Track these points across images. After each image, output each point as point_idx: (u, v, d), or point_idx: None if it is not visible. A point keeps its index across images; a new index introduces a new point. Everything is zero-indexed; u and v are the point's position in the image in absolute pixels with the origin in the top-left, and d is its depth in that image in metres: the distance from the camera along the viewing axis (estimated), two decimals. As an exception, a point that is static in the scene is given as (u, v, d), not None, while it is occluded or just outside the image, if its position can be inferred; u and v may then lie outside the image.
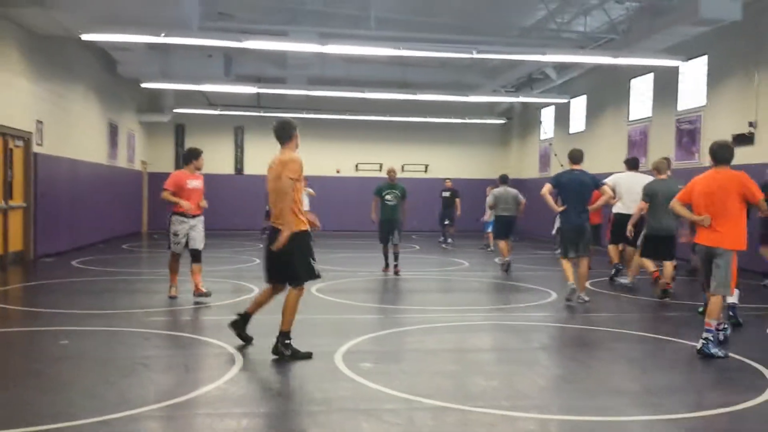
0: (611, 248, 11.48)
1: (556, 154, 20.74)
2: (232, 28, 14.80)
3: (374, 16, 13.96)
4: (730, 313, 7.60)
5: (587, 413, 4.81)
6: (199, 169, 9.30)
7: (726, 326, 6.96)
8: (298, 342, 6.84)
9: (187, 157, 9.35)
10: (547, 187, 9.37)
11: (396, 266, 12.30)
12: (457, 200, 19.20)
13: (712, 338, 6.32)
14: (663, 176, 9.93)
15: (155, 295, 9.68)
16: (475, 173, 25.23)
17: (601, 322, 7.97)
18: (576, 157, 9.50)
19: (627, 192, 10.98)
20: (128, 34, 12.47)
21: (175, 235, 8.98)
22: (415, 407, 4.79)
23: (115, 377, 5.38)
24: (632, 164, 11.56)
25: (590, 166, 15.78)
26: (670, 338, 7.21)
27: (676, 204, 6.92)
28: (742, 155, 13.56)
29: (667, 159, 10.42)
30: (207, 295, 8.93)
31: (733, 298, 7.67)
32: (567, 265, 9.33)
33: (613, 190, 10.39)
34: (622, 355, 6.46)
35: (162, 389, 5.08)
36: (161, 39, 12.56)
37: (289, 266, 6.04)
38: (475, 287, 10.93)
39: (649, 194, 9.74)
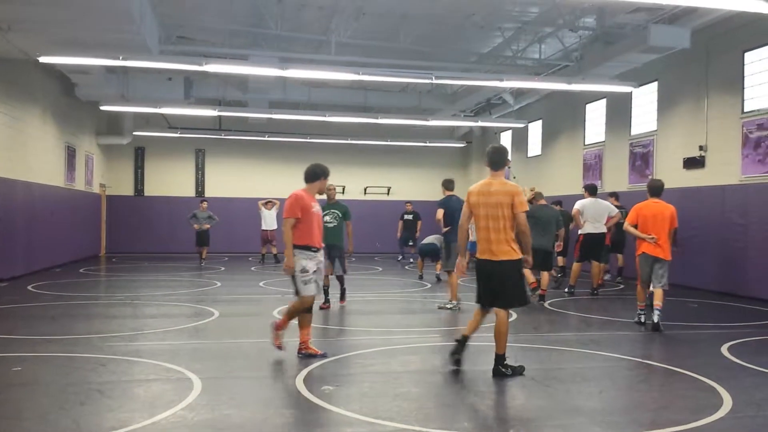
0: (576, 266, 12.71)
1: (515, 177, 21.07)
2: (192, 51, 14.80)
3: (335, 41, 14.11)
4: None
5: (545, 432, 4.88)
6: (322, 192, 7.40)
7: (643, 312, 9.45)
8: (257, 365, 6.81)
9: (314, 174, 7.22)
10: (440, 212, 10.96)
11: (341, 299, 11.14)
12: (419, 222, 19.94)
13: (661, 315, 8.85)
14: (542, 202, 12.16)
15: (112, 320, 9.53)
16: (437, 195, 25.20)
17: (559, 341, 8.08)
18: (450, 185, 11.29)
19: (593, 215, 12.51)
20: (87, 57, 12.37)
21: (304, 271, 6.91)
22: (376, 430, 4.79)
23: (70, 404, 5.28)
24: (593, 191, 12.93)
25: (546, 189, 16.26)
26: (626, 357, 7.35)
27: (628, 227, 9.28)
28: (693, 178, 14.03)
29: (539, 192, 12.45)
30: (324, 356, 7.05)
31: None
32: (456, 280, 10.69)
33: (581, 214, 12.53)
34: (579, 374, 6.57)
35: (118, 416, 4.99)
36: (120, 62, 12.49)
37: (503, 292, 6.30)
38: (437, 309, 10.97)
39: (533, 218, 11.14)
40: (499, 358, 6.39)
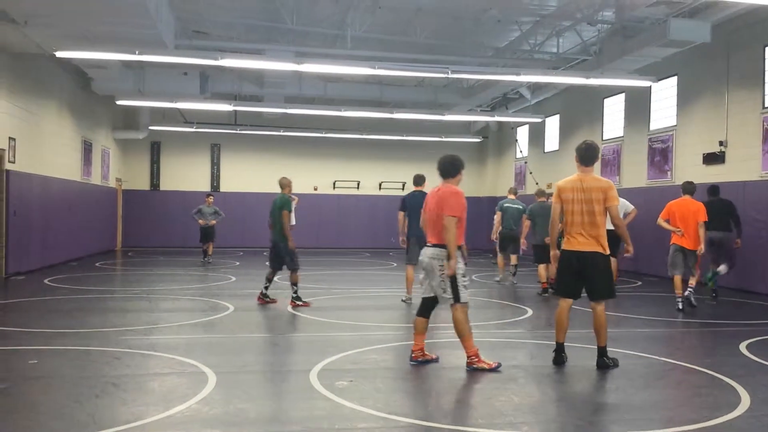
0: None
1: (531, 172, 20.95)
2: (208, 46, 14.82)
3: (350, 36, 14.06)
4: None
5: (561, 430, 4.83)
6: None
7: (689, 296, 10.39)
8: (271, 360, 6.83)
9: (456, 167, 6.72)
10: (401, 214, 10.90)
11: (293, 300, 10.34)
12: None
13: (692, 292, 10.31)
14: (543, 199, 12.58)
15: (128, 314, 9.57)
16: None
17: (574, 338, 8.00)
18: (418, 180, 11.07)
19: None
20: (103, 51, 12.41)
21: (464, 275, 6.51)
22: (390, 426, 4.77)
23: (85, 397, 5.30)
24: None
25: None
26: (642, 354, 7.27)
27: (661, 220, 10.44)
28: (713, 174, 13.86)
29: (540, 189, 13.44)
30: (436, 360, 6.70)
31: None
32: (411, 273, 10.60)
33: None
34: (594, 371, 6.50)
35: (132, 409, 5.00)
36: (136, 57, 12.53)
37: (596, 284, 6.51)
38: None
39: (536, 215, 12.27)
40: (602, 351, 6.55)
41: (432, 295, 6.59)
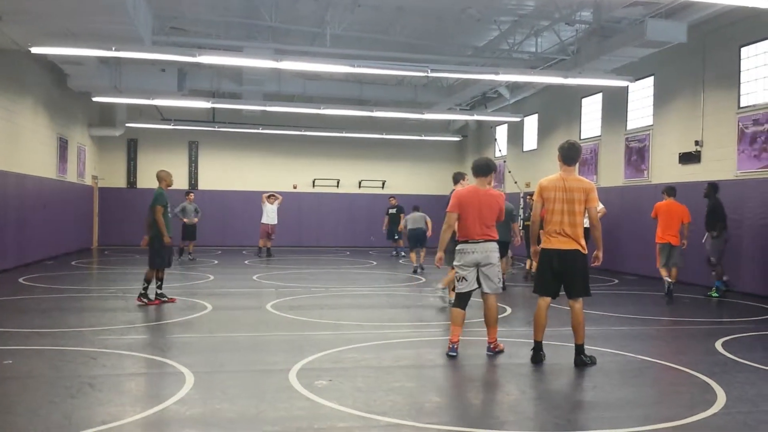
0: None
1: (510, 171, 21.03)
2: (186, 42, 14.71)
3: (330, 34, 14.03)
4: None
5: (539, 428, 4.85)
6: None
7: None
8: (250, 359, 6.79)
9: (488, 168, 7.15)
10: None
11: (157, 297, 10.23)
12: (402, 216, 20.23)
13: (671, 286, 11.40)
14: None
15: (104, 314, 9.47)
16: (432, 189, 25.37)
17: (553, 336, 8.06)
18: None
19: None
20: (79, 47, 12.26)
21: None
22: (370, 425, 4.76)
23: (61, 397, 5.23)
24: None
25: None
26: (620, 352, 7.33)
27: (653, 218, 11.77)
28: (689, 173, 14.03)
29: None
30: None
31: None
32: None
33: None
34: (572, 369, 6.54)
35: (109, 410, 4.95)
36: (113, 53, 12.39)
37: (575, 283, 6.58)
38: (430, 303, 10.95)
39: None
40: (579, 348, 6.61)
41: (474, 288, 6.95)
